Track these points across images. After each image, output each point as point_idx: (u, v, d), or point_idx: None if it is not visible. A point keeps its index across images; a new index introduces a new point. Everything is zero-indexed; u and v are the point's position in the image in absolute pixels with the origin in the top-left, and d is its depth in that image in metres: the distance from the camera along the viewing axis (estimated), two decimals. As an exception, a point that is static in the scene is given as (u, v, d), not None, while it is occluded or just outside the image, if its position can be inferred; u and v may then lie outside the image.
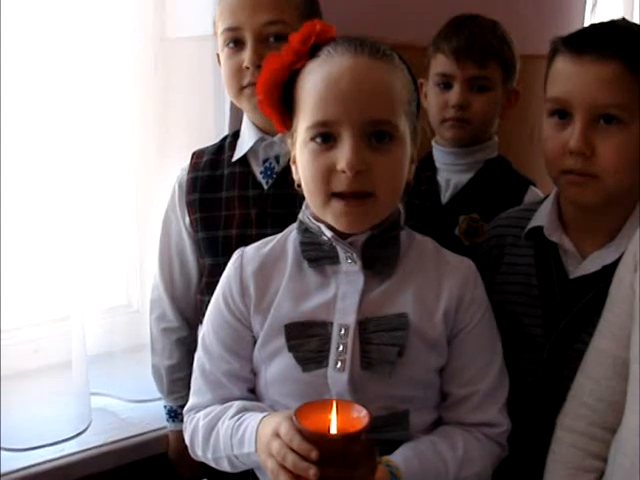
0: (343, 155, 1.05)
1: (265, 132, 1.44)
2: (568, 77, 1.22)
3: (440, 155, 1.75)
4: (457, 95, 1.66)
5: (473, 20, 1.70)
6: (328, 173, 1.06)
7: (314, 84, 1.08)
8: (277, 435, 1.00)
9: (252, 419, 1.10)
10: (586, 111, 1.20)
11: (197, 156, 1.52)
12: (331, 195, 1.07)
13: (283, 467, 0.98)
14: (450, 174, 1.74)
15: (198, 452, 1.21)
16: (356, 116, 1.05)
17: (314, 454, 0.93)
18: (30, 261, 1.58)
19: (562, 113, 1.24)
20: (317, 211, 1.12)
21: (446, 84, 1.68)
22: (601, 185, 1.21)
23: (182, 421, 1.27)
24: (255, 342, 1.17)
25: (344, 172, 1.04)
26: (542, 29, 2.19)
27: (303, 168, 1.11)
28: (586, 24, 2.47)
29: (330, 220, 1.11)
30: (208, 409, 1.19)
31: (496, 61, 1.66)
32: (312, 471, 0.93)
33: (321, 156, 1.07)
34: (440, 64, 1.69)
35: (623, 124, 1.19)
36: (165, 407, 1.63)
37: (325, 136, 1.07)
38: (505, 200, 1.57)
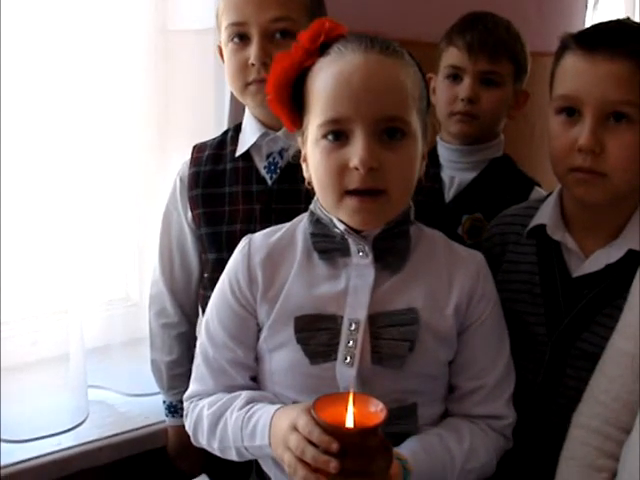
0: (356, 152, 1.04)
1: (268, 127, 1.43)
2: (579, 74, 1.22)
3: (445, 152, 1.74)
4: (467, 88, 1.65)
5: (488, 16, 1.69)
6: (341, 170, 1.06)
7: (325, 82, 1.08)
8: (295, 429, 1.00)
9: (264, 411, 1.10)
10: (596, 108, 1.19)
11: (198, 150, 1.51)
12: (344, 193, 1.07)
13: (301, 460, 0.98)
14: (454, 172, 1.73)
15: (202, 441, 1.21)
16: (368, 113, 1.04)
17: (335, 446, 0.94)
18: (28, 254, 1.58)
19: (571, 110, 1.23)
20: (330, 209, 1.12)
21: (456, 77, 1.67)
22: (609, 183, 1.20)
23: (182, 416, 1.26)
24: (259, 330, 1.17)
25: (357, 169, 1.04)
26: (543, 27, 2.20)
27: (315, 166, 1.10)
28: (587, 22, 2.47)
29: (344, 217, 1.11)
30: (212, 398, 1.19)
31: (508, 58, 1.66)
32: (333, 464, 0.94)
33: (333, 154, 1.07)
34: (452, 56, 1.67)
35: (633, 122, 1.18)
36: (164, 402, 1.62)
37: (337, 133, 1.07)
38: (509, 200, 1.55)
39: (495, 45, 1.64)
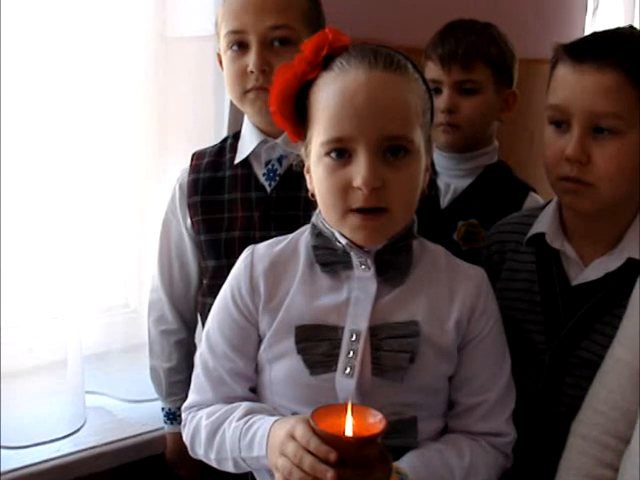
0: (359, 172, 1.04)
1: (267, 134, 1.43)
2: (567, 85, 1.22)
3: (440, 160, 1.74)
4: (445, 100, 1.67)
5: (462, 25, 1.70)
6: (344, 189, 1.06)
7: (328, 99, 1.07)
8: (292, 437, 0.99)
9: (262, 422, 1.09)
10: (583, 119, 1.20)
11: (197, 157, 1.51)
12: (347, 210, 1.07)
13: (297, 466, 0.97)
14: (450, 179, 1.74)
15: (199, 451, 1.20)
16: (371, 132, 1.04)
17: (333, 456, 0.93)
18: (27, 260, 1.57)
19: (560, 120, 1.24)
20: (333, 225, 1.12)
21: (436, 90, 1.68)
22: (596, 193, 1.21)
23: (180, 423, 1.26)
24: (260, 341, 1.17)
25: (360, 189, 1.04)
26: (542, 33, 2.20)
27: (319, 182, 1.10)
28: (587, 28, 2.47)
29: (347, 233, 1.11)
30: (211, 409, 1.18)
31: (483, 63, 1.66)
32: (330, 474, 0.93)
33: (336, 172, 1.07)
34: (429, 71, 1.69)
35: (620, 134, 1.19)
36: (163, 409, 1.62)
37: (340, 152, 1.06)
38: (504, 206, 1.57)
39: (465, 54, 1.65)
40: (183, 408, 1.24)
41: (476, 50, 1.65)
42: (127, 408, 1.73)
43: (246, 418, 1.12)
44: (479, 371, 1.16)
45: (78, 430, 1.61)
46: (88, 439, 1.60)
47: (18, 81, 1.48)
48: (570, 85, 1.22)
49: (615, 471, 1.12)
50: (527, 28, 2.18)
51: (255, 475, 1.21)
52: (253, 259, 1.18)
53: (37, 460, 1.52)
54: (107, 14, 1.59)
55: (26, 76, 1.49)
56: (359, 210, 1.06)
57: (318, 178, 1.10)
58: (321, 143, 1.07)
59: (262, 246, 1.20)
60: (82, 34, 1.55)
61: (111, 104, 1.64)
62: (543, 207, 1.38)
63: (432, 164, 1.71)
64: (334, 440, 0.94)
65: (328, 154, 1.07)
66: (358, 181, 1.04)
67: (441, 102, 1.67)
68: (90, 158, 1.64)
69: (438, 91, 1.68)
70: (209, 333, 1.21)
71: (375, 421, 0.96)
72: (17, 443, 1.53)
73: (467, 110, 1.67)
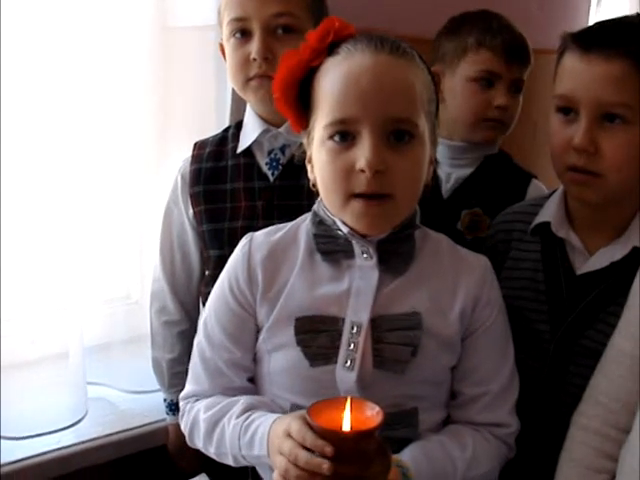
0: (362, 154, 1.02)
1: (270, 123, 1.42)
2: (575, 74, 1.22)
3: (441, 149, 1.70)
4: (504, 96, 1.62)
5: (502, 17, 1.64)
6: (347, 173, 1.04)
7: (333, 81, 1.06)
8: (288, 435, 0.98)
9: (262, 421, 1.08)
10: (591, 109, 1.19)
11: (199, 147, 1.51)
12: (350, 196, 1.05)
13: (294, 465, 0.96)
14: (451, 168, 1.71)
15: (198, 444, 1.19)
16: (376, 114, 1.03)
17: (329, 450, 0.91)
18: (29, 251, 1.56)
19: (568, 109, 1.23)
20: (335, 212, 1.10)
21: (489, 82, 1.62)
22: (604, 184, 1.20)
23: (181, 414, 1.26)
24: (258, 331, 1.16)
25: (363, 172, 1.02)
26: (546, 24, 2.18)
27: (321, 167, 1.08)
28: (591, 19, 2.46)
29: (349, 221, 1.09)
30: (209, 401, 1.17)
31: (529, 61, 1.64)
32: (325, 465, 0.91)
33: (340, 155, 1.05)
34: (486, 60, 1.60)
35: (628, 123, 1.18)
36: (165, 400, 1.62)
37: (344, 134, 1.05)
38: (508, 194, 1.56)
39: (526, 51, 1.62)
40: (180, 397, 1.23)
41: (528, 49, 1.62)
42: (129, 399, 1.72)
43: (245, 415, 1.11)
44: (482, 361, 1.15)
45: (79, 421, 1.61)
46: (89, 430, 1.60)
47: (18, 73, 1.47)
48: (577, 74, 1.21)
49: (616, 462, 1.11)
50: (531, 19, 2.16)
51: (258, 469, 1.20)
52: (251, 247, 1.16)
53: (38, 451, 1.51)
54: (109, 4, 1.58)
55: (26, 68, 1.47)
56: (362, 196, 1.04)
57: (321, 163, 1.08)
58: (324, 126, 1.06)
59: (260, 234, 1.19)
60: (84, 24, 1.54)
61: (113, 94, 1.63)
62: (548, 196, 1.37)
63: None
64: (330, 435, 0.93)
65: (331, 137, 1.06)
66: (362, 163, 1.02)
67: (498, 98, 1.61)
68: (91, 149, 1.63)
69: (490, 84, 1.62)
70: (206, 323, 1.19)
71: (372, 414, 0.94)
72: (18, 434, 1.53)
73: (514, 109, 1.65)
